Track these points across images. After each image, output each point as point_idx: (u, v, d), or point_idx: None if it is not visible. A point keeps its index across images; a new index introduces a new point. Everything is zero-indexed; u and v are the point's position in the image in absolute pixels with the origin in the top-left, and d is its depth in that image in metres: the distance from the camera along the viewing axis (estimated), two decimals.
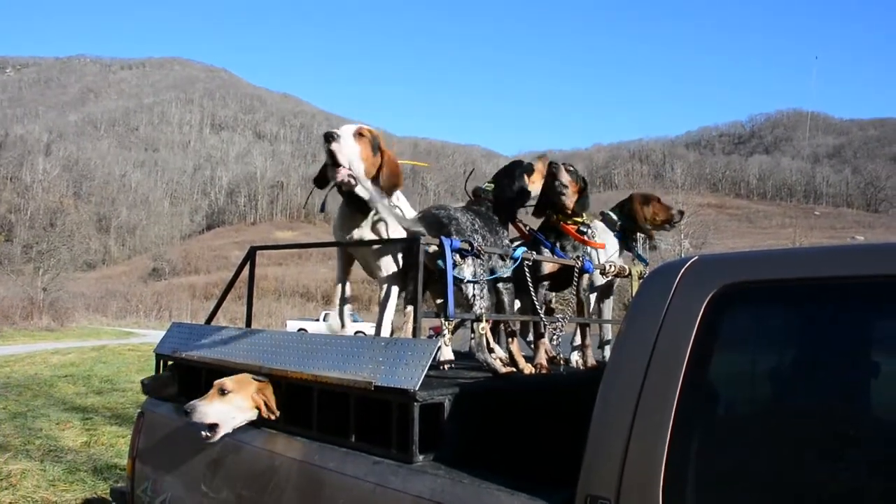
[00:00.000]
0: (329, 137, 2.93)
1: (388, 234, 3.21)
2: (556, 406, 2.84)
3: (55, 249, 54.83)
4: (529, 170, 3.52)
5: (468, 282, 2.94)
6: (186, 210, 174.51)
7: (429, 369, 2.28)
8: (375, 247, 3.26)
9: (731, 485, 1.65)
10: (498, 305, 3.31)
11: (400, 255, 3.25)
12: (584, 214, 3.58)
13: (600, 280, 3.98)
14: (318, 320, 41.04)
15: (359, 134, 3.02)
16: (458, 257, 2.91)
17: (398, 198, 3.36)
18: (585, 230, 3.56)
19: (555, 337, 3.35)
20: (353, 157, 2.96)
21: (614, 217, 4.19)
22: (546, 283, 3.54)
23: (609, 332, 4.26)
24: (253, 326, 3.59)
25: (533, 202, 3.61)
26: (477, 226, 3.19)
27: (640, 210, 4.18)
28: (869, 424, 1.60)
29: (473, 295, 2.95)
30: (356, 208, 3.18)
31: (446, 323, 2.84)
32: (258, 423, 2.75)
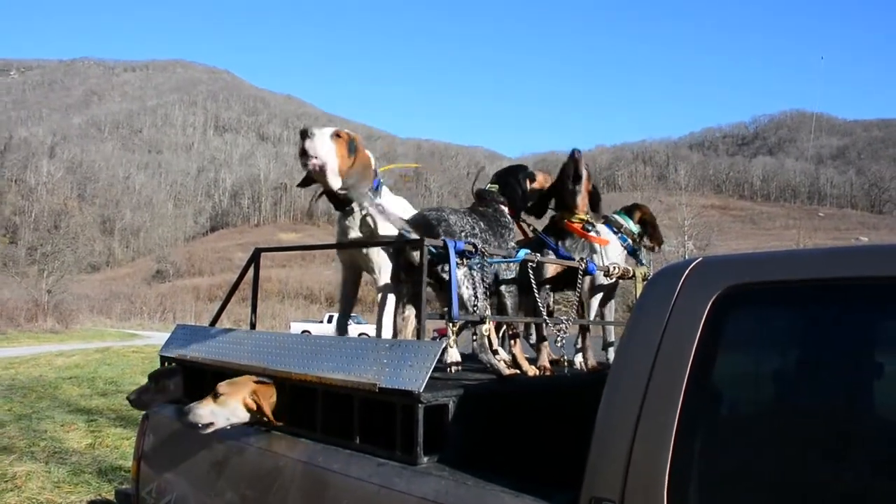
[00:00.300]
0: (304, 135, 3.13)
1: (377, 231, 3.30)
2: (560, 408, 2.84)
3: (59, 251, 54.84)
4: (532, 176, 3.54)
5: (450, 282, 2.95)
6: (190, 212, 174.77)
7: (436, 371, 2.29)
8: (368, 248, 3.35)
9: (736, 486, 1.65)
10: (500, 307, 3.31)
11: (391, 255, 3.29)
12: (588, 213, 3.57)
13: (604, 282, 3.98)
14: (321, 322, 41.12)
15: (336, 135, 3.20)
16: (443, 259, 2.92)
17: (384, 195, 3.42)
18: (590, 228, 3.55)
19: (558, 339, 3.34)
20: (326, 154, 3.14)
21: (621, 221, 4.19)
22: (549, 284, 3.53)
23: (612, 334, 4.26)
24: (257, 328, 3.60)
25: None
26: (478, 229, 3.18)
27: (655, 230, 4.29)
28: (873, 425, 1.60)
29: (469, 297, 2.94)
30: (343, 211, 3.33)
31: (451, 325, 2.84)
32: (265, 426, 2.75)
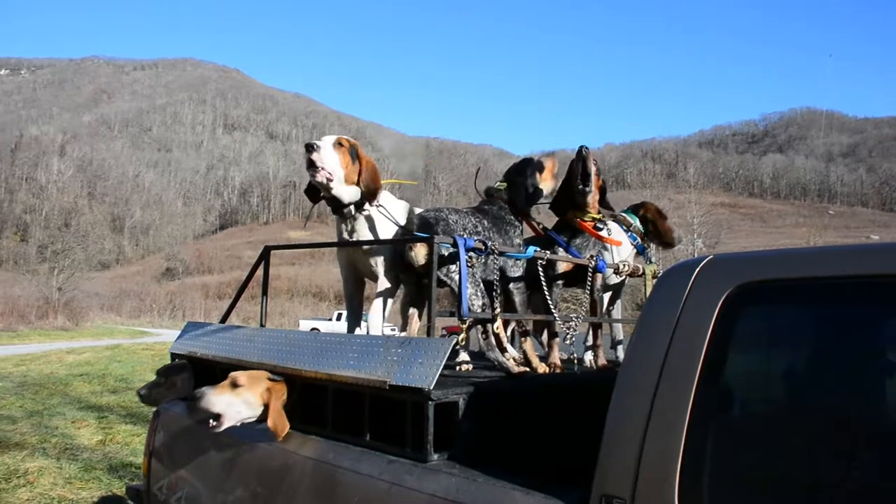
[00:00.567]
0: (309, 148, 3.21)
1: (375, 233, 3.36)
2: (571, 405, 2.83)
3: (70, 249, 55.12)
4: (539, 167, 3.50)
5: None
6: (199, 210, 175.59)
7: (445, 369, 2.29)
8: (366, 249, 3.39)
9: (747, 484, 1.64)
10: (508, 305, 3.31)
11: (390, 256, 3.32)
12: (600, 212, 3.56)
13: (614, 279, 3.98)
14: (330, 320, 41.19)
15: (338, 143, 3.27)
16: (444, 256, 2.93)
17: (383, 199, 3.44)
18: (601, 227, 3.54)
19: (568, 336, 3.34)
20: (332, 165, 3.21)
21: (630, 219, 4.19)
22: (560, 282, 3.52)
23: (620, 332, 4.26)
24: (266, 326, 3.61)
25: (547, 200, 3.60)
26: (482, 227, 3.19)
27: (660, 222, 4.25)
28: (885, 424, 1.59)
29: (469, 295, 2.94)
30: (341, 214, 3.37)
31: (462, 323, 2.85)
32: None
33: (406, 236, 3.07)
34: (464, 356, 3.25)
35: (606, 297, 4.06)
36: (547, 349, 3.63)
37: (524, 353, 3.32)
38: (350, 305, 3.65)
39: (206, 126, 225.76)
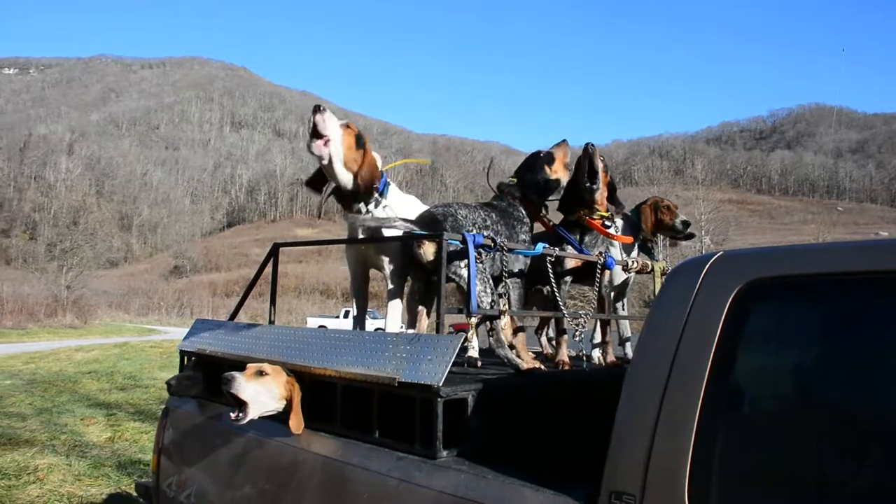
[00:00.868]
0: (317, 109, 3.12)
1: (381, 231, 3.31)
2: (580, 402, 2.83)
3: (78, 247, 55.39)
4: (549, 159, 3.45)
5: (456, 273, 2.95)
6: (207, 208, 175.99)
7: (454, 366, 2.29)
8: (376, 246, 3.37)
9: (757, 481, 1.63)
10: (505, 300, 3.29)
11: (400, 253, 3.31)
12: (609, 209, 3.54)
13: (623, 276, 3.97)
14: (337, 317, 41.27)
15: (346, 126, 3.20)
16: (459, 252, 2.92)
17: (391, 194, 3.42)
18: (610, 224, 3.53)
19: (577, 333, 3.33)
20: (335, 136, 3.12)
21: (633, 219, 4.18)
22: (569, 278, 3.51)
23: (628, 329, 4.24)
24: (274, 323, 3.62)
25: (556, 197, 3.58)
26: (490, 221, 3.17)
27: (646, 218, 4.18)
28: None
29: (479, 292, 2.94)
30: (351, 210, 3.31)
31: (472, 320, 2.84)
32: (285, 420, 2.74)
33: (414, 233, 3.05)
34: (473, 353, 3.24)
35: (613, 294, 4.05)
36: (555, 346, 3.62)
37: (515, 349, 3.30)
38: (357, 302, 3.65)
39: (214, 124, 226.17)
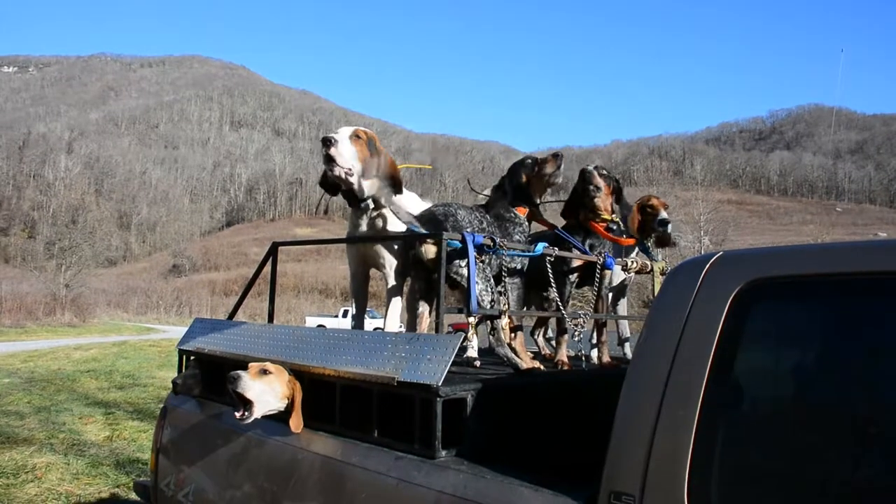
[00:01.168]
0: (327, 143, 3.10)
1: (387, 227, 3.32)
2: (579, 402, 2.83)
3: (77, 246, 55.43)
4: (529, 167, 3.47)
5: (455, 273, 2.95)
6: (206, 207, 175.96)
7: (454, 365, 2.28)
8: (378, 244, 3.35)
9: (757, 481, 1.63)
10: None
11: (402, 252, 3.30)
12: (615, 212, 3.56)
13: (623, 276, 3.96)
14: (336, 317, 41.27)
15: (356, 136, 3.17)
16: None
17: (403, 195, 3.40)
18: (614, 227, 3.54)
19: (576, 334, 3.33)
20: (350, 159, 3.12)
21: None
22: (574, 277, 3.52)
23: (627, 330, 4.24)
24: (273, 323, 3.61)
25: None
26: (486, 222, 3.21)
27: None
28: None
29: (480, 291, 2.94)
30: (358, 207, 3.30)
31: (471, 319, 2.84)
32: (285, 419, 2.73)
33: (415, 232, 3.05)
34: (473, 352, 3.24)
35: (611, 295, 4.04)
36: (555, 346, 3.62)
37: (513, 349, 3.30)
38: (357, 301, 3.65)
39: (213, 123, 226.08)
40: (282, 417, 2.66)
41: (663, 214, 3.97)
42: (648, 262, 3.81)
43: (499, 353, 2.99)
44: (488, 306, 2.91)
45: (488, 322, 3.05)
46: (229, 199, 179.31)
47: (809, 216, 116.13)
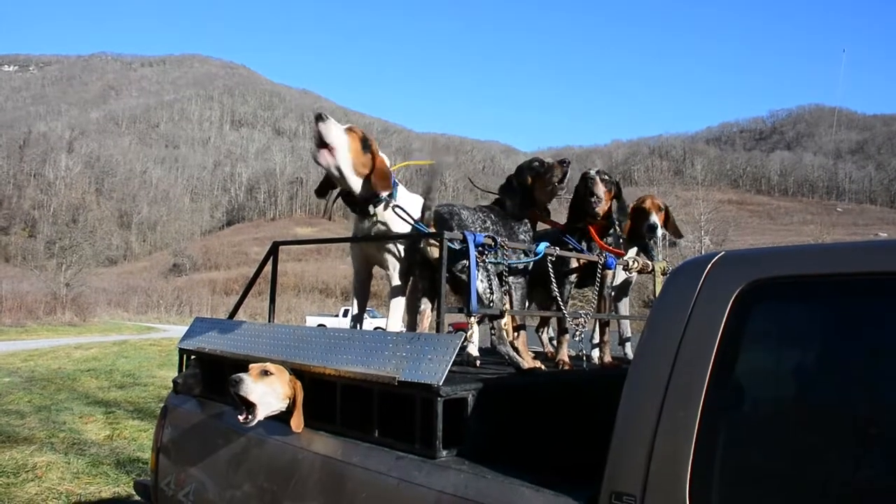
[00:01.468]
0: (319, 118, 3.01)
1: (392, 230, 3.27)
2: (581, 402, 2.82)
3: (77, 245, 55.54)
4: (535, 170, 3.46)
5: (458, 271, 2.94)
6: (206, 206, 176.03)
7: (455, 365, 2.28)
8: (382, 245, 3.33)
9: (759, 482, 1.63)
10: (508, 299, 3.29)
11: (407, 253, 3.29)
12: (616, 213, 3.56)
13: (623, 276, 3.96)
14: (336, 316, 41.25)
15: (349, 129, 3.11)
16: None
17: (399, 193, 3.39)
18: (613, 233, 3.56)
19: (577, 333, 3.33)
20: (340, 144, 3.04)
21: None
22: (574, 277, 3.53)
23: (629, 330, 4.24)
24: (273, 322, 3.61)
25: (565, 196, 3.61)
26: (490, 222, 3.20)
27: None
28: None
29: (483, 290, 2.94)
30: (360, 213, 3.26)
31: (472, 318, 2.83)
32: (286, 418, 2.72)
33: (419, 232, 3.04)
34: (473, 349, 3.24)
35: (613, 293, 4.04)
36: (556, 345, 3.62)
37: (516, 348, 3.30)
38: (358, 300, 3.64)
39: (214, 122, 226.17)
40: (283, 417, 2.65)
41: (653, 219, 3.97)
42: (649, 262, 3.82)
43: (500, 351, 2.99)
44: (493, 304, 2.91)
45: (492, 321, 3.05)
46: (230, 198, 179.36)
47: (810, 216, 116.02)
